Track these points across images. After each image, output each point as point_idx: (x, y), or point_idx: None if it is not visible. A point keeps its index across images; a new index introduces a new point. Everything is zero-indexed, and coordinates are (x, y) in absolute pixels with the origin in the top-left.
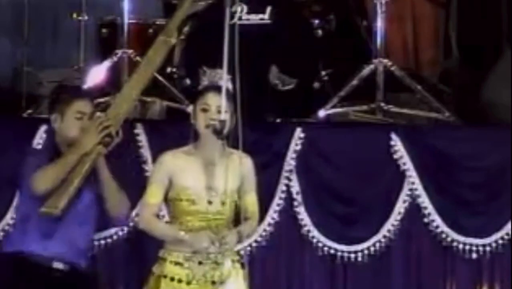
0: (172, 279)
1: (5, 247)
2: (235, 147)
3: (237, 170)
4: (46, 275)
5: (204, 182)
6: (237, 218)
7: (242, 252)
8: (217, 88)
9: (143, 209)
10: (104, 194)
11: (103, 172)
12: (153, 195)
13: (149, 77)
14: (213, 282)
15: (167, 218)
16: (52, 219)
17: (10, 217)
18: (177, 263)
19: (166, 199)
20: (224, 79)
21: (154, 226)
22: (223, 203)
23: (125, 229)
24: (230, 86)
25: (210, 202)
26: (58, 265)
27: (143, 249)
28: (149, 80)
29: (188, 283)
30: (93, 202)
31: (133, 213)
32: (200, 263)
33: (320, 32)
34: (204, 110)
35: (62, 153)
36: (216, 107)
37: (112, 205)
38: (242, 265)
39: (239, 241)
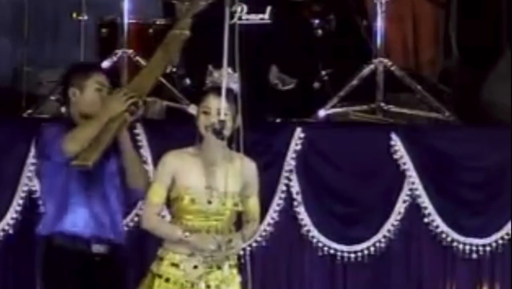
0: (167, 279)
1: (42, 230)
2: (238, 148)
3: (239, 173)
4: (86, 262)
5: (205, 182)
6: (239, 221)
7: (241, 252)
8: (218, 91)
9: (146, 208)
10: (125, 165)
11: (126, 142)
12: (156, 194)
13: (165, 65)
14: (208, 287)
15: (168, 218)
16: (84, 192)
17: (10, 217)
18: (173, 264)
19: (168, 198)
20: (224, 79)
21: (157, 225)
22: (223, 204)
23: (125, 229)
24: (236, 87)
25: (209, 202)
26: (97, 248)
27: (143, 249)
28: (164, 68)
29: (183, 285)
30: (117, 171)
31: (134, 212)
32: (195, 267)
33: (320, 32)
34: (205, 112)
35: (78, 125)
36: (217, 110)
37: (133, 177)
38: (239, 270)
39: (242, 244)
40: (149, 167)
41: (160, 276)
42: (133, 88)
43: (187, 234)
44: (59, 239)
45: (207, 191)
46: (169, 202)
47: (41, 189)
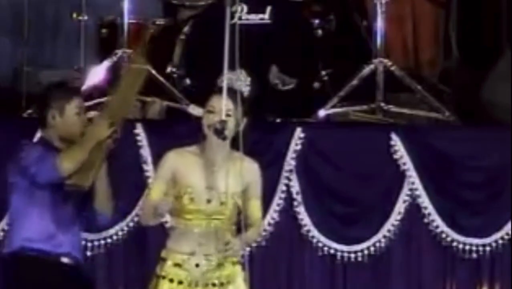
0: (171, 280)
1: (8, 246)
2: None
3: (241, 174)
4: (55, 269)
5: (205, 182)
6: (240, 224)
7: (241, 252)
8: (226, 91)
9: (144, 205)
10: (97, 189)
11: (104, 170)
12: (155, 192)
13: (133, 99)
14: (214, 284)
15: (168, 218)
16: (52, 217)
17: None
18: (176, 264)
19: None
20: (225, 79)
21: (146, 212)
22: (222, 203)
23: (125, 229)
24: (247, 90)
25: (209, 201)
26: (65, 259)
27: (143, 249)
28: (133, 102)
29: (187, 284)
30: (86, 193)
31: (134, 212)
32: (197, 265)
33: (320, 32)
34: (210, 112)
35: (55, 147)
36: (221, 109)
37: (101, 201)
38: (242, 267)
39: (242, 247)
40: (149, 167)
41: (164, 277)
42: (111, 115)
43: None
44: (27, 253)
45: (206, 191)
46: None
47: (12, 205)
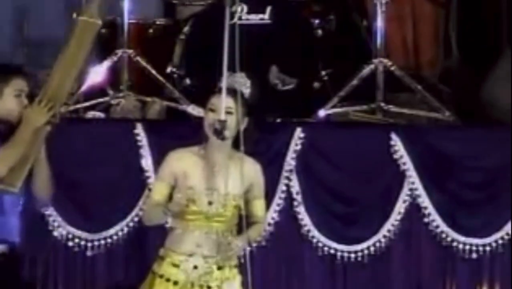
0: (167, 280)
1: None
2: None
3: (243, 175)
4: None
5: (207, 183)
6: (241, 222)
7: (241, 252)
8: (228, 91)
9: (146, 206)
10: (35, 172)
11: (42, 154)
12: (157, 192)
13: (82, 60)
14: (209, 287)
15: (169, 218)
16: None
17: None
18: (173, 264)
19: (170, 198)
20: (224, 78)
21: (149, 213)
22: (224, 205)
23: (125, 229)
24: (247, 92)
25: (210, 203)
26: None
27: (143, 249)
28: (80, 66)
29: (184, 286)
30: None
31: (134, 212)
32: (195, 267)
33: (320, 32)
34: (211, 110)
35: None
36: (223, 108)
37: (39, 185)
38: (240, 270)
39: (247, 245)
40: (149, 167)
41: (161, 276)
42: (50, 96)
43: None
44: None
45: (208, 192)
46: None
47: None
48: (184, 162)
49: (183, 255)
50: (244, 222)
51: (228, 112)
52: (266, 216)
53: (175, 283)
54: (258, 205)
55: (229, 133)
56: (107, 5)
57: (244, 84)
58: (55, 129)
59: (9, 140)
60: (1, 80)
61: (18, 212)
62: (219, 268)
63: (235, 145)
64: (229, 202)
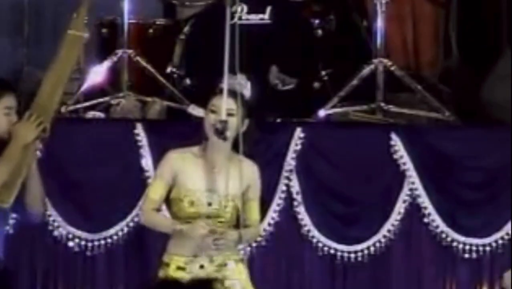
0: (176, 282)
1: None
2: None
3: (242, 176)
4: None
5: (206, 184)
6: (238, 224)
7: (242, 252)
8: (229, 92)
9: (144, 204)
10: (26, 185)
11: (34, 168)
12: (155, 191)
13: (68, 75)
14: (218, 284)
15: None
16: None
17: None
18: (179, 268)
19: (169, 199)
20: (225, 79)
21: (154, 220)
22: (223, 206)
23: (125, 229)
24: (248, 94)
25: (209, 204)
26: None
27: (143, 250)
28: (68, 78)
29: (192, 285)
30: None
31: (134, 212)
32: (201, 266)
33: (320, 32)
34: (212, 111)
35: None
36: (223, 109)
37: (30, 199)
38: (246, 264)
39: (238, 242)
40: (149, 167)
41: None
42: (39, 111)
43: (178, 226)
44: None
45: (207, 193)
46: (169, 203)
47: None
48: (183, 163)
49: (187, 257)
50: (240, 222)
51: (229, 114)
52: (259, 219)
53: (183, 284)
54: (253, 207)
55: (230, 134)
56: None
57: (245, 86)
58: (44, 144)
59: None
60: None
61: (4, 228)
62: (224, 264)
63: (235, 146)
64: (228, 203)
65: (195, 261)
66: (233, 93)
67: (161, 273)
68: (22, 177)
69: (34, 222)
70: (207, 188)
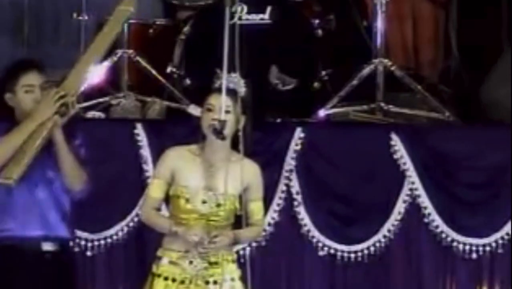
0: (166, 278)
1: None
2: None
3: (240, 176)
4: (36, 260)
5: (203, 182)
6: (237, 224)
7: (241, 252)
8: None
9: (144, 203)
10: (60, 166)
11: (60, 144)
12: (154, 190)
13: (105, 49)
14: (207, 282)
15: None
16: (28, 192)
17: None
18: (171, 262)
19: (168, 196)
20: (224, 78)
21: (153, 219)
22: (218, 205)
23: (125, 229)
24: (243, 92)
25: (204, 202)
26: (46, 246)
27: (143, 249)
28: (105, 52)
29: (182, 282)
30: (55, 174)
31: (134, 212)
32: (191, 262)
33: (320, 32)
34: (208, 110)
35: None
36: (220, 108)
37: (70, 180)
38: (239, 265)
39: (235, 243)
40: (149, 167)
41: (159, 276)
42: (65, 87)
43: (174, 228)
44: (6, 241)
45: (203, 192)
46: (168, 200)
47: None
48: (181, 160)
49: (179, 252)
50: (242, 222)
51: (226, 111)
52: (264, 218)
53: (173, 280)
54: (256, 208)
55: (228, 131)
56: None
57: (239, 84)
58: (77, 117)
59: (10, 131)
60: (12, 78)
61: (61, 203)
62: (216, 263)
63: (234, 146)
64: (224, 202)
65: (186, 257)
66: (228, 91)
67: (154, 268)
68: (29, 155)
69: (78, 197)
70: (203, 186)
